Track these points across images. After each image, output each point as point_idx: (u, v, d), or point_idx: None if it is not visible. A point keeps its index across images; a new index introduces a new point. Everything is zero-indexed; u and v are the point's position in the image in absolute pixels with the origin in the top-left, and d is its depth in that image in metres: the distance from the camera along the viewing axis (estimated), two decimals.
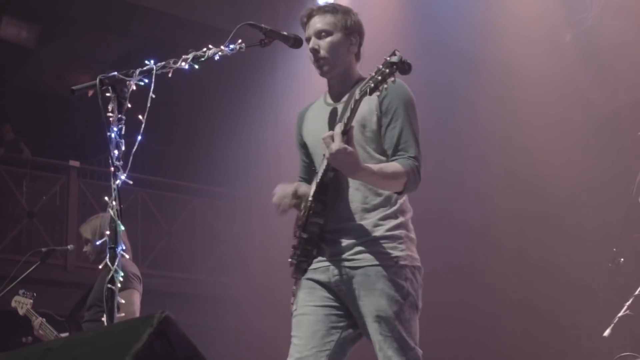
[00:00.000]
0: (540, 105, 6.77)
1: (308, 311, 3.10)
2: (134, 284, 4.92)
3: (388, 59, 2.61)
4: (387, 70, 2.60)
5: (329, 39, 3.12)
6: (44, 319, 5.21)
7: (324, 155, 2.99)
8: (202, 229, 10.68)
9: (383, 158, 3.05)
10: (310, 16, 3.19)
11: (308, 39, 3.16)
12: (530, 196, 6.92)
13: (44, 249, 5.33)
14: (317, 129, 3.15)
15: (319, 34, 3.13)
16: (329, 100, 3.21)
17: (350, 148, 2.74)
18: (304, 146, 3.33)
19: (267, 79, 9.40)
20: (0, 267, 8.19)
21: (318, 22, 3.15)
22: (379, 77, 2.62)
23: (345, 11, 3.21)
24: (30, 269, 5.23)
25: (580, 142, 6.65)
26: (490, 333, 7.08)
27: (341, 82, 3.16)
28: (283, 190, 3.15)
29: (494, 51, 7.03)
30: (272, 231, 8.54)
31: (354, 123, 2.84)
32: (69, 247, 5.29)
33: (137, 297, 5.00)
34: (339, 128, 2.77)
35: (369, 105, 3.01)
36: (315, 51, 3.11)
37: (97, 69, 12.33)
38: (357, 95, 2.73)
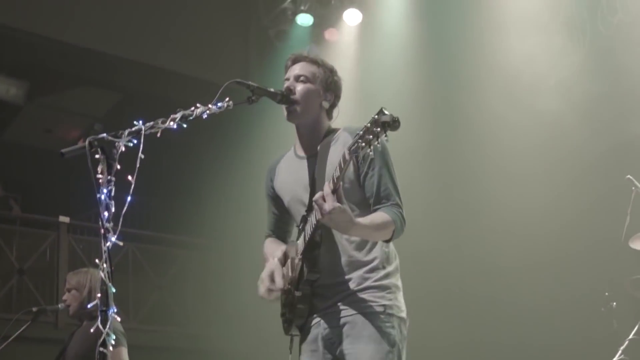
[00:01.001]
0: (528, 150, 6.81)
1: None
2: (121, 341, 4.89)
3: (376, 117, 2.57)
4: (379, 129, 2.58)
5: (306, 85, 3.18)
6: None
7: (306, 212, 3.06)
8: (193, 281, 10.62)
9: (355, 208, 3.04)
10: (295, 61, 3.27)
11: (286, 80, 3.22)
12: (520, 241, 6.90)
13: (34, 308, 5.29)
14: (290, 182, 3.23)
15: (298, 78, 3.19)
16: (300, 153, 3.26)
17: (343, 207, 2.76)
18: (274, 198, 3.36)
19: (248, 129, 9.45)
20: None
21: (300, 68, 3.22)
22: (370, 137, 2.59)
23: (330, 69, 3.28)
24: (22, 329, 5.18)
25: (569, 185, 6.65)
26: None
27: (310, 133, 3.21)
28: (270, 281, 3.12)
29: (476, 106, 7.11)
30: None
31: (330, 174, 2.88)
32: (59, 305, 5.25)
33: (125, 354, 4.98)
34: (327, 187, 2.77)
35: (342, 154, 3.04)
36: (289, 90, 3.15)
37: (85, 123, 12.43)
38: (347, 155, 2.71)
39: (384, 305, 3.04)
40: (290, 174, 3.22)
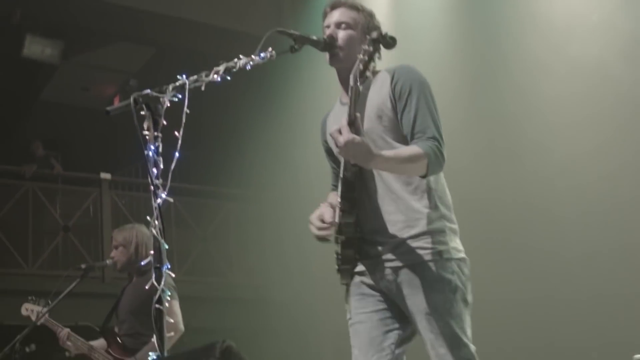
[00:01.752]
0: (571, 97, 6.62)
1: (362, 319, 3.07)
2: (173, 295, 4.95)
3: (369, 36, 2.61)
4: (371, 48, 2.59)
5: (347, 31, 3.12)
6: (69, 329, 5.23)
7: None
8: (236, 232, 10.70)
9: (399, 146, 2.99)
10: (334, 6, 3.20)
11: (327, 27, 3.16)
12: (567, 188, 6.67)
13: (83, 265, 5.37)
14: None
15: (339, 24, 3.13)
16: (344, 100, 3.17)
17: (358, 138, 2.68)
18: (330, 153, 3.30)
19: (292, 79, 9.39)
20: (40, 282, 8.30)
21: (340, 14, 3.16)
22: (366, 57, 2.61)
23: (369, 13, 3.22)
24: (72, 285, 5.26)
25: (616, 131, 6.40)
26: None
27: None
28: (320, 221, 3.03)
29: (516, 52, 6.94)
30: (306, 233, 8.52)
31: (371, 114, 2.86)
32: (107, 261, 5.32)
33: (177, 307, 5.05)
34: (344, 120, 2.72)
35: (381, 94, 3.01)
36: (332, 38, 3.10)
37: (120, 79, 12.47)
38: (351, 82, 2.69)
39: (439, 252, 2.95)
40: (336, 122, 3.14)
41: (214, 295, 9.73)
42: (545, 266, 6.73)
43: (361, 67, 2.62)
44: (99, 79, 12.35)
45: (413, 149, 2.89)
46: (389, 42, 2.60)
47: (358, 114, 2.74)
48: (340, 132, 2.70)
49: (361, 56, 2.63)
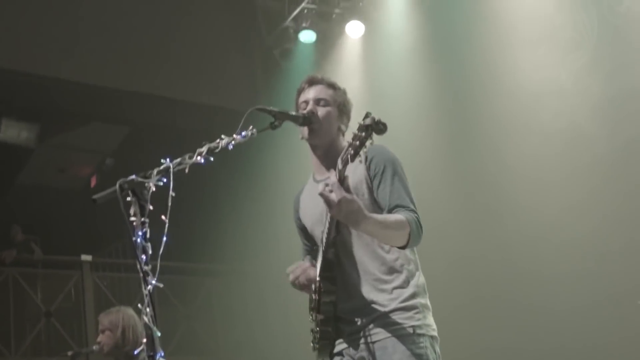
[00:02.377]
0: (546, 153, 6.71)
1: None
2: None
3: (362, 122, 2.61)
4: (363, 134, 2.60)
5: (326, 108, 3.18)
6: None
7: (322, 231, 3.01)
8: (219, 308, 10.57)
9: None
10: (311, 83, 3.25)
11: (304, 102, 3.21)
12: (548, 243, 6.75)
13: (69, 353, 5.27)
14: (310, 207, 3.19)
15: (318, 102, 3.18)
16: (318, 177, 3.23)
17: (350, 195, 2.70)
18: (303, 229, 3.35)
19: (267, 153, 9.43)
20: None
21: (319, 92, 3.21)
22: (357, 143, 2.62)
23: (343, 91, 3.30)
24: None
25: (594, 184, 6.48)
26: None
27: (327, 154, 3.18)
28: (299, 270, 3.12)
29: (487, 109, 7.04)
30: (290, 304, 8.45)
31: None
32: (94, 347, 5.23)
33: None
34: (333, 177, 2.72)
35: (357, 173, 3.05)
36: (313, 114, 3.14)
37: (97, 159, 12.45)
38: (339, 165, 2.70)
39: (413, 327, 2.98)
40: (310, 199, 3.19)
41: None
42: (533, 320, 6.75)
43: (352, 151, 2.62)
44: (75, 159, 12.35)
45: (398, 216, 2.92)
46: (381, 129, 2.60)
47: (347, 175, 2.74)
48: (331, 190, 2.70)
49: (352, 141, 2.64)
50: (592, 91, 6.46)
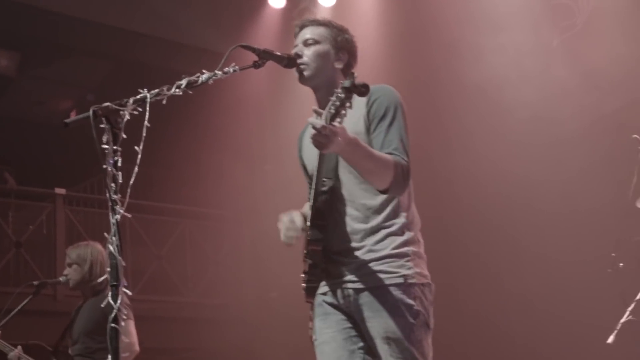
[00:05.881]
0: (531, 112, 6.74)
1: (327, 339, 3.03)
2: (128, 314, 4.84)
3: (342, 82, 2.55)
4: (343, 95, 2.53)
5: (315, 47, 3.10)
6: (20, 348, 5.10)
7: (311, 176, 2.95)
8: (192, 251, 10.58)
9: None
10: (303, 26, 3.18)
11: (295, 48, 3.13)
12: (524, 201, 6.88)
13: (36, 282, 5.24)
14: (310, 149, 3.04)
15: (306, 42, 3.11)
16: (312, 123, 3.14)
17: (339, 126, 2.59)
18: (305, 168, 3.27)
19: (252, 96, 9.35)
20: None
21: (308, 32, 3.14)
22: (338, 103, 2.54)
23: (340, 28, 3.19)
24: (24, 302, 5.12)
25: (573, 146, 6.61)
26: (489, 343, 7.03)
27: (326, 94, 2.97)
28: (290, 222, 3.04)
29: (478, 65, 7.00)
30: (263, 250, 8.48)
31: None
32: (61, 279, 5.20)
33: (133, 326, 4.94)
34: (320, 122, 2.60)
35: (357, 115, 2.96)
36: (297, 56, 3.07)
37: (78, 94, 12.32)
38: (321, 120, 2.58)
39: (404, 276, 2.91)
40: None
41: (169, 314, 9.60)
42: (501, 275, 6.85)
43: (332, 111, 2.55)
44: (55, 93, 12.20)
45: (387, 156, 2.85)
46: (362, 91, 2.53)
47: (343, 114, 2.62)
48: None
49: (333, 99, 2.56)
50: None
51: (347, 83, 2.53)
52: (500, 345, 6.99)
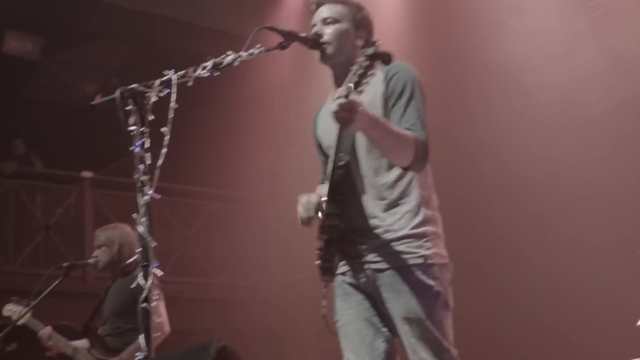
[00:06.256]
0: (557, 93, 6.67)
1: (349, 320, 3.04)
2: (159, 295, 4.89)
3: (363, 50, 2.56)
4: (367, 63, 2.54)
5: (335, 25, 3.08)
6: (50, 327, 5.15)
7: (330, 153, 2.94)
8: (218, 233, 10.63)
9: None
10: (319, 4, 3.16)
11: (313, 25, 3.12)
12: (549, 182, 6.84)
13: (65, 264, 5.29)
14: (327, 127, 3.08)
15: (325, 20, 3.10)
16: (336, 95, 3.13)
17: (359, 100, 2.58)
18: (320, 147, 3.27)
19: (276, 80, 9.35)
20: (20, 281, 8.20)
21: (326, 11, 3.12)
22: (361, 71, 2.56)
23: (356, 5, 3.18)
24: (54, 284, 5.17)
25: (599, 129, 6.54)
26: (514, 323, 7.02)
27: (345, 73, 2.93)
28: (308, 202, 3.04)
29: (503, 44, 6.93)
30: (290, 232, 8.50)
31: None
32: (90, 260, 5.26)
33: (163, 307, 5.00)
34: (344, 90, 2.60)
35: (375, 90, 2.95)
36: (318, 35, 3.06)
37: (102, 77, 12.35)
38: (343, 92, 2.58)
39: (423, 256, 2.90)
40: (327, 118, 3.09)
41: (196, 296, 9.65)
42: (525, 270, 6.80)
43: (356, 79, 2.55)
44: (80, 76, 12.23)
45: (407, 132, 2.85)
46: (386, 59, 2.54)
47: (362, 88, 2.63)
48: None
49: (356, 69, 2.56)
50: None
51: (370, 50, 2.54)
52: (526, 325, 6.98)
